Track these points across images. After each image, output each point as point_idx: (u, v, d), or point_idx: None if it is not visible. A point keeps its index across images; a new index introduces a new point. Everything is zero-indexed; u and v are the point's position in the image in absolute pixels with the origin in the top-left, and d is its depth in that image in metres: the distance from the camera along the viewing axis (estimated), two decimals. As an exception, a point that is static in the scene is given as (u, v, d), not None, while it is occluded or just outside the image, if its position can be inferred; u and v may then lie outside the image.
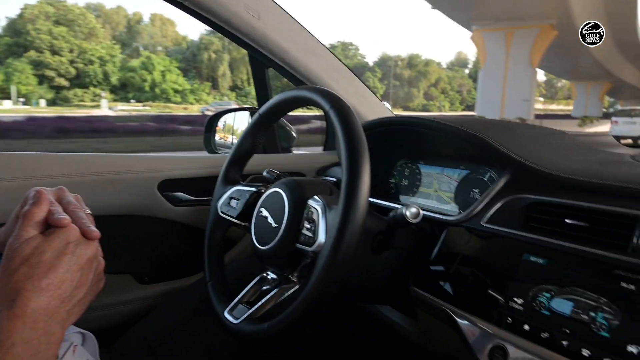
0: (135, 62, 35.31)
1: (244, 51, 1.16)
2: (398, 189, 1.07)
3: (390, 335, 0.98)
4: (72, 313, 0.47)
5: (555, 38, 21.59)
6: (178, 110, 30.42)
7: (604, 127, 21.54)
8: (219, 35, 1.14)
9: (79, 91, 34.04)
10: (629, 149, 0.99)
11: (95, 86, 34.42)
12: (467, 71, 61.38)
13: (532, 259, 0.63)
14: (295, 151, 1.38)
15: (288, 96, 0.76)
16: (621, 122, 12.92)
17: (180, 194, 1.08)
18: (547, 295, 0.58)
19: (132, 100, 34.46)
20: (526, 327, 0.58)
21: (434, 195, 0.98)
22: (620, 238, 0.57)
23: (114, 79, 33.83)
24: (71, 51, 33.65)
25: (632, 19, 20.85)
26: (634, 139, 12.28)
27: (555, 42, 22.27)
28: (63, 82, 33.75)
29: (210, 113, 1.95)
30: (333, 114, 0.64)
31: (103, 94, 33.49)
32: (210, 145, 1.38)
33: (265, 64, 1.18)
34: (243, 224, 0.80)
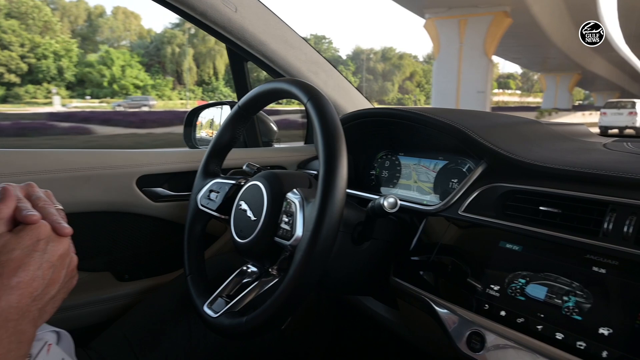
0: (92, 57, 33.78)
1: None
2: (379, 181, 1.07)
3: (374, 326, 0.99)
4: (44, 311, 0.46)
5: (510, 26, 20.88)
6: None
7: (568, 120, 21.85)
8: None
9: (31, 87, 32.07)
10: (602, 137, 1.01)
11: (49, 82, 32.60)
12: None
13: (508, 246, 0.64)
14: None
15: (266, 88, 0.75)
16: (609, 113, 13.66)
17: (159, 189, 1.06)
18: (523, 281, 0.59)
19: (88, 97, 32.88)
20: (502, 313, 0.59)
21: (414, 187, 0.99)
22: (591, 223, 0.59)
23: (68, 75, 31.82)
24: (22, 46, 31.75)
25: (592, 5, 19.76)
26: (620, 129, 12.82)
27: (513, 31, 21.62)
28: (14, 78, 31.95)
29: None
30: (310, 106, 0.63)
31: (54, 90, 31.74)
32: (191, 140, 1.37)
33: (244, 57, 1.17)
34: (223, 217, 0.80)
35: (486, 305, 0.61)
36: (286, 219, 0.66)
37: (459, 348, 0.61)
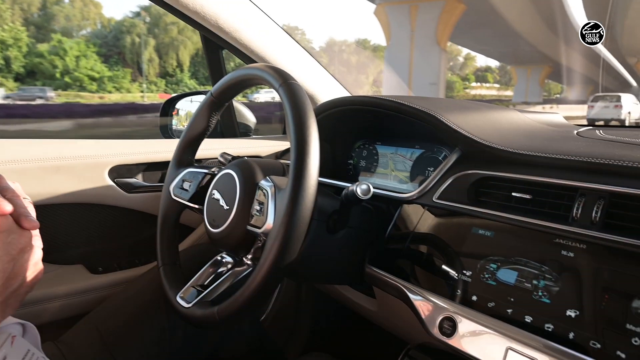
0: (43, 47, 31.15)
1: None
2: (356, 170, 1.07)
3: (352, 314, 0.99)
4: (6, 305, 0.45)
5: (468, 14, 19.75)
6: (92, 99, 27.66)
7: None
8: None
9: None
10: (576, 126, 1.02)
11: (-6, 73, 30.36)
12: None
13: (481, 232, 0.64)
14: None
15: (238, 75, 0.74)
16: (597, 106, 14.21)
17: (133, 180, 1.04)
18: (494, 266, 0.60)
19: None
20: (474, 297, 0.60)
21: (391, 175, 0.99)
22: (561, 209, 0.59)
23: (16, 66, 29.38)
24: (-38, 35, 29.09)
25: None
26: (606, 120, 13.38)
27: (472, 20, 20.36)
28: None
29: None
30: (282, 92, 0.62)
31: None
32: (166, 130, 1.35)
33: (219, 45, 1.15)
34: (196, 206, 0.78)
35: (458, 291, 0.62)
36: (258, 207, 0.65)
37: (432, 334, 0.62)
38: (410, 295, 0.67)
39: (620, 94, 14.99)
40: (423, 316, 0.65)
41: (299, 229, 0.55)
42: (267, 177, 0.66)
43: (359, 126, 1.05)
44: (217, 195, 0.71)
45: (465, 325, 0.58)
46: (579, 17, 21.81)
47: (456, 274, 0.63)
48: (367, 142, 1.06)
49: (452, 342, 0.59)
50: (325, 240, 0.74)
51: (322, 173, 0.88)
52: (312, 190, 0.56)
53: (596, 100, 14.97)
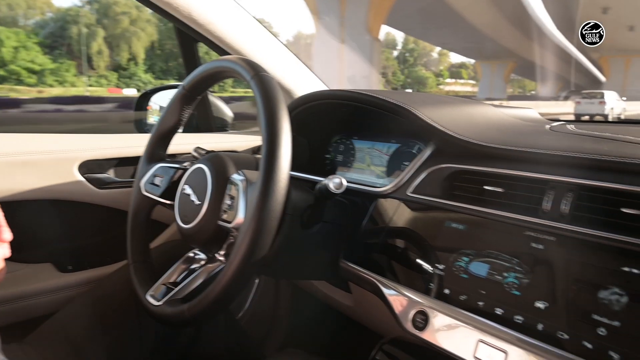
0: None
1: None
2: (333, 165, 1.06)
3: (329, 309, 0.98)
4: None
5: (415, 3, 18.25)
6: (30, 93, 24.88)
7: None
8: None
9: None
10: (549, 121, 1.03)
11: None
12: (396, 53, 57.21)
13: (454, 225, 0.65)
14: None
15: (209, 67, 0.72)
16: (583, 102, 15.14)
17: (104, 175, 1.01)
18: (466, 259, 0.60)
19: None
20: (447, 291, 0.60)
21: (367, 170, 0.99)
22: (532, 202, 0.60)
23: None
24: None
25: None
26: (591, 116, 14.17)
27: (418, 9, 18.84)
28: None
29: None
30: (253, 84, 0.61)
31: None
32: (140, 125, 1.32)
33: (194, 38, 1.12)
34: (167, 202, 0.76)
35: (431, 285, 0.62)
36: (230, 202, 0.64)
37: (405, 328, 0.62)
38: (384, 290, 0.67)
39: (604, 91, 15.90)
40: (396, 310, 0.64)
41: (270, 222, 0.54)
42: (240, 171, 0.65)
43: (336, 120, 1.04)
44: (188, 190, 0.70)
45: (437, 319, 0.58)
46: (540, 11, 21.45)
47: (430, 268, 0.63)
48: (344, 137, 1.05)
49: (425, 335, 0.59)
50: (300, 235, 0.73)
51: (298, 168, 0.88)
52: (283, 184, 0.55)
53: (583, 97, 16.00)
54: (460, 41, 32.16)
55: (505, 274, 0.56)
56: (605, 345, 0.46)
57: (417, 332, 0.60)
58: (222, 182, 0.66)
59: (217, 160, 0.69)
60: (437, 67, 57.39)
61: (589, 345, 0.47)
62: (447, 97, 0.95)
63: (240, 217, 0.60)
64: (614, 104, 14.96)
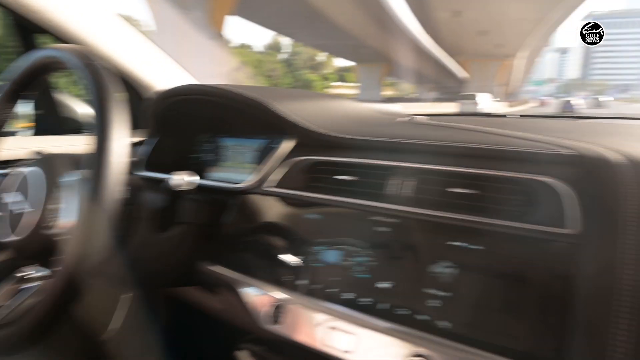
0: None
1: None
2: (202, 165, 1.02)
3: (202, 315, 0.94)
4: None
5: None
6: None
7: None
8: None
9: None
10: (409, 115, 1.11)
11: None
12: (285, 56, 57.87)
13: (312, 217, 0.65)
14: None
15: (30, 60, 0.63)
16: (463, 103, 18.13)
17: None
18: (322, 249, 0.61)
19: None
20: (303, 282, 0.60)
21: (236, 168, 0.96)
22: (379, 188, 0.63)
23: None
24: None
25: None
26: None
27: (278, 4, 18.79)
28: None
29: None
30: (83, 75, 0.55)
31: None
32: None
33: (30, 29, 0.98)
34: None
35: (289, 278, 0.61)
36: (63, 206, 0.56)
37: (263, 324, 0.61)
38: (242, 289, 0.65)
39: (477, 93, 19.78)
40: (254, 307, 0.63)
41: (98, 222, 0.48)
42: (71, 173, 0.58)
43: (202, 119, 0.99)
44: (8, 199, 0.60)
45: (293, 311, 0.58)
46: (402, 13, 22.28)
47: (289, 261, 0.63)
48: (211, 135, 1.01)
49: (281, 330, 0.58)
50: (155, 239, 0.68)
51: (164, 168, 0.82)
52: (114, 180, 0.50)
53: (463, 99, 19.54)
54: (332, 41, 31.52)
55: (358, 259, 0.58)
56: (440, 315, 0.49)
57: (273, 328, 0.59)
58: (50, 185, 0.58)
59: (49, 162, 0.61)
60: (323, 71, 59.08)
61: (423, 317, 0.50)
62: (308, 92, 0.96)
63: (67, 222, 0.53)
64: (485, 104, 18.18)
